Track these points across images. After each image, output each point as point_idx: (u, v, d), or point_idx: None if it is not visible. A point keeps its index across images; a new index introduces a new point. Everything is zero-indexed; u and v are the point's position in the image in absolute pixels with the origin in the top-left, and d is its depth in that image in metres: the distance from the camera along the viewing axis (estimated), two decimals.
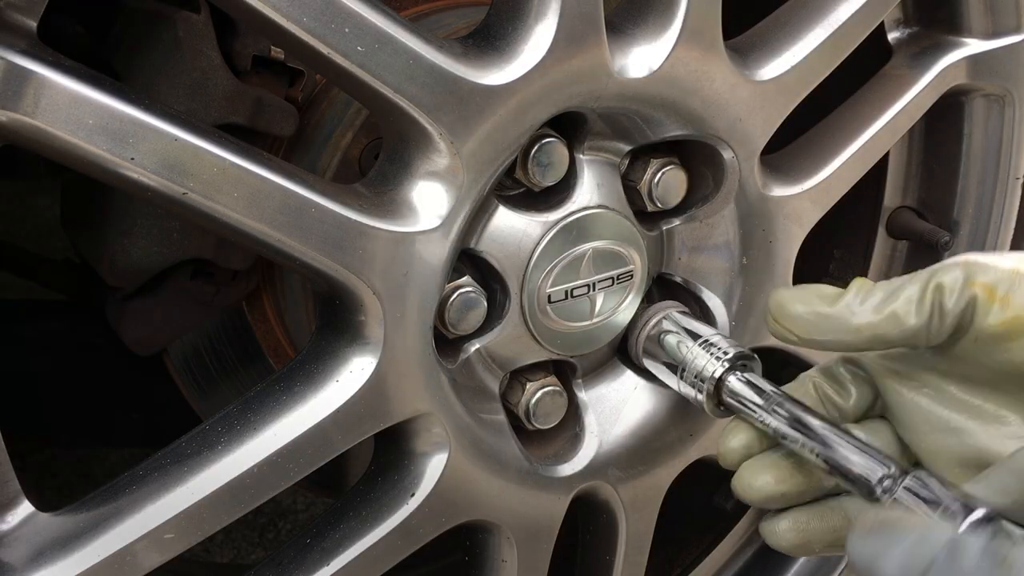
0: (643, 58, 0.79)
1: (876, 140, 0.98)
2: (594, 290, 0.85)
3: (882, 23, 0.99)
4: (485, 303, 0.81)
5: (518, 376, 0.89)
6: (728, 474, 0.72)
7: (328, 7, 0.64)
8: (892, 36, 1.07)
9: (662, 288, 0.97)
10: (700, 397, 0.81)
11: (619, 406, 0.94)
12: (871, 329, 0.63)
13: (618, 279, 0.86)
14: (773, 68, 0.86)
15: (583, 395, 0.93)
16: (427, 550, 0.81)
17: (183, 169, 0.63)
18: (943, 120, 1.09)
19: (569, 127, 0.81)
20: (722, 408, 0.79)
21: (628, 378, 0.94)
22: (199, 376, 1.00)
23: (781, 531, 0.70)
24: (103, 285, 0.86)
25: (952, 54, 1.03)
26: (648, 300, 0.93)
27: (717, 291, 0.94)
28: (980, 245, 1.14)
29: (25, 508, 0.65)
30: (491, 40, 0.73)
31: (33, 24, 0.60)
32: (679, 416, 0.94)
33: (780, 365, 1.23)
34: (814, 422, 0.68)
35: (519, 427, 0.89)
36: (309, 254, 0.68)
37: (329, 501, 1.14)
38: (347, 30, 0.65)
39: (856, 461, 0.65)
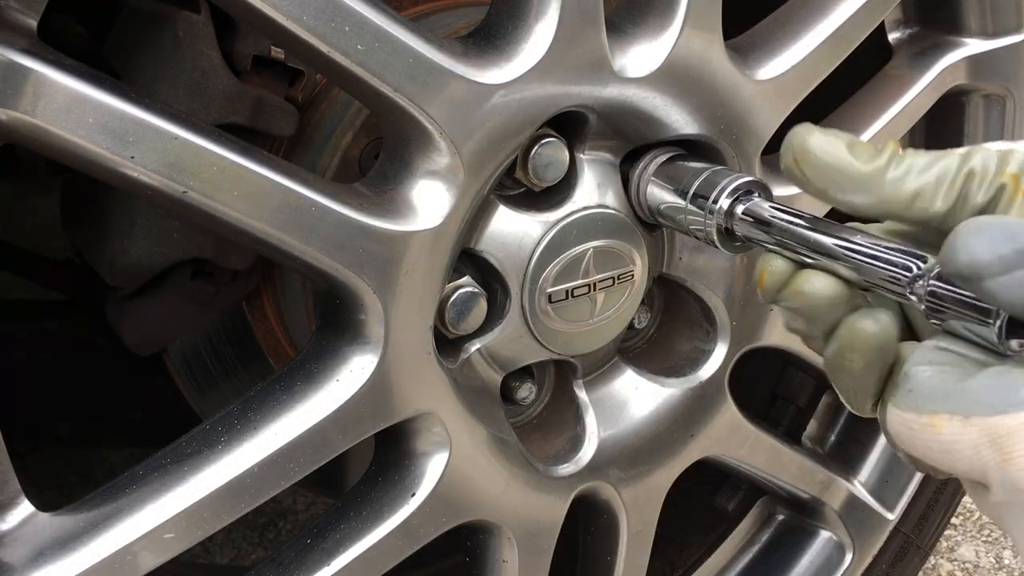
0: (643, 57, 0.79)
1: (877, 141, 0.98)
2: (595, 290, 0.85)
3: (882, 23, 0.99)
4: (485, 303, 0.81)
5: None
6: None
7: (328, 6, 0.64)
8: (892, 36, 1.07)
9: (662, 288, 0.97)
10: (711, 233, 0.75)
11: (620, 406, 0.94)
12: (895, 202, 0.58)
13: (619, 279, 0.86)
14: (773, 68, 0.86)
15: (584, 395, 0.93)
16: (428, 551, 0.81)
17: (183, 168, 0.63)
18: (943, 120, 1.09)
19: (569, 127, 0.81)
20: (738, 244, 0.75)
21: (629, 378, 0.94)
22: (199, 376, 1.00)
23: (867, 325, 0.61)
24: (103, 285, 0.86)
25: (952, 54, 1.03)
26: (648, 299, 0.93)
27: (717, 291, 0.94)
28: None
29: (25, 508, 0.65)
30: (491, 39, 0.73)
31: (33, 23, 0.60)
32: (680, 416, 0.94)
33: (781, 365, 1.23)
34: (834, 233, 0.63)
35: (518, 425, 0.89)
36: (309, 253, 0.68)
37: (329, 501, 1.14)
38: (347, 29, 0.65)
39: (889, 260, 0.59)
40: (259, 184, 0.66)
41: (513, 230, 0.81)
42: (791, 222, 0.66)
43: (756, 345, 0.97)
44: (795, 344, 0.99)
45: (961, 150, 0.58)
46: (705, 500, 1.21)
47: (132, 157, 0.61)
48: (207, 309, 0.89)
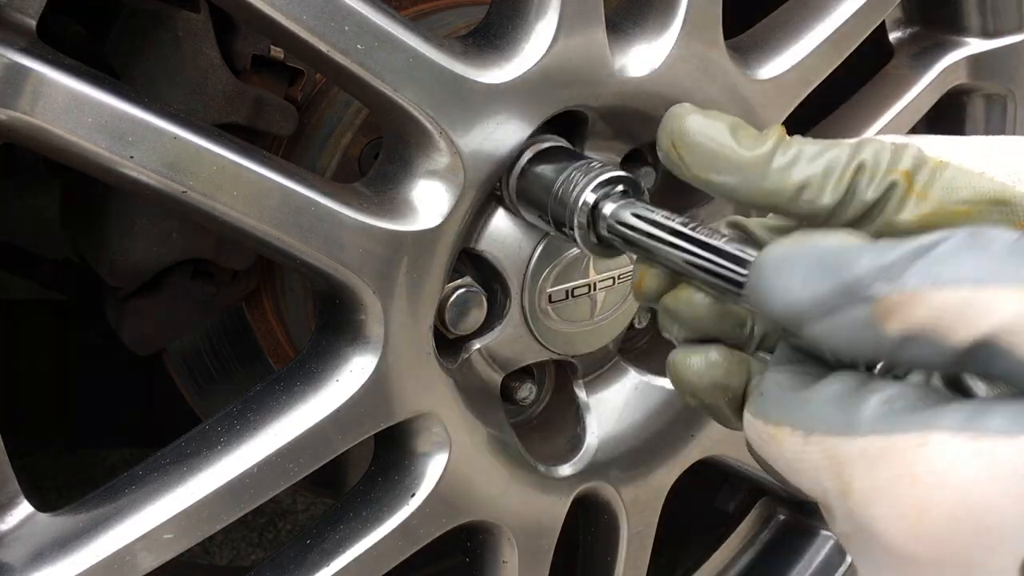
0: (643, 57, 0.79)
1: None
2: (595, 290, 0.85)
3: (883, 23, 0.99)
4: (485, 303, 0.81)
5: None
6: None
7: (328, 5, 0.64)
8: (893, 36, 1.07)
9: None
10: (573, 232, 0.69)
11: (620, 406, 0.94)
12: (779, 193, 0.52)
13: (619, 279, 0.86)
14: (774, 67, 0.86)
15: (584, 396, 0.93)
16: (427, 552, 0.81)
17: (183, 168, 0.63)
18: (944, 120, 1.09)
19: (569, 126, 0.81)
20: (600, 244, 0.67)
21: (629, 378, 0.94)
22: (199, 376, 0.99)
23: (693, 364, 0.56)
24: (103, 285, 0.86)
25: (953, 54, 1.03)
26: None
27: None
28: None
29: (24, 508, 0.65)
30: (491, 39, 0.73)
31: (32, 23, 0.59)
32: (680, 416, 0.94)
33: None
34: (674, 229, 0.57)
35: (518, 425, 0.88)
36: (309, 253, 0.68)
37: (329, 501, 1.14)
38: (347, 28, 0.65)
39: (720, 255, 0.55)
40: (259, 184, 0.66)
41: (513, 230, 0.81)
42: (654, 226, 0.60)
43: None
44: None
45: (853, 140, 0.53)
46: (705, 500, 1.21)
47: (132, 157, 0.61)
48: (207, 309, 0.89)
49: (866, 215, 0.52)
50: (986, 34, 1.04)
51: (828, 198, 0.52)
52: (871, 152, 0.51)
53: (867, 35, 0.92)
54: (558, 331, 0.85)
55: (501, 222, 0.80)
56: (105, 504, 0.67)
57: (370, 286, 0.71)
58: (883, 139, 0.53)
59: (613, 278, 0.86)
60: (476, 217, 0.78)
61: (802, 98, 0.89)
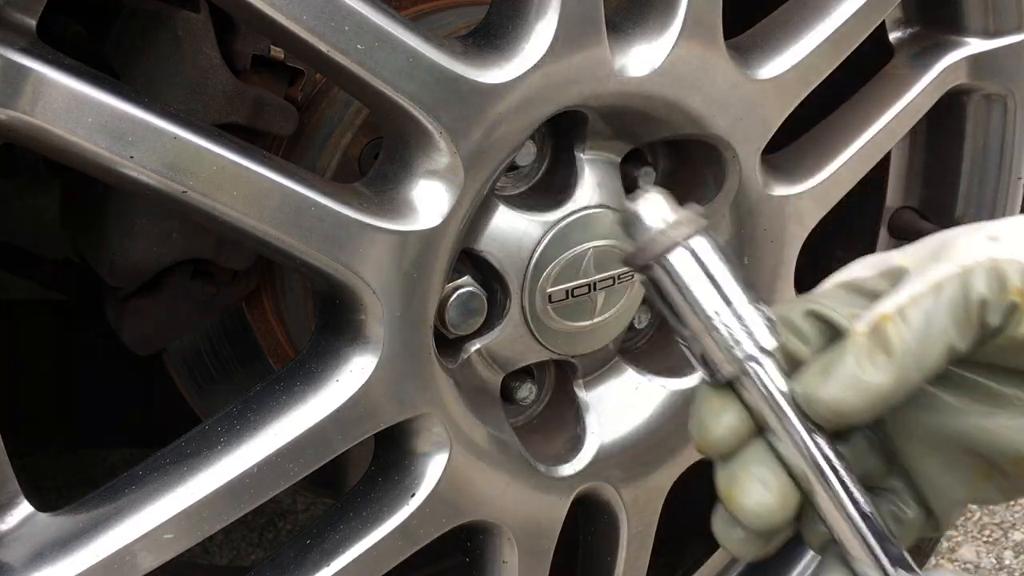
0: (644, 57, 0.79)
1: (878, 140, 0.98)
2: (595, 290, 0.85)
3: (883, 22, 0.99)
4: (486, 303, 0.81)
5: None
6: None
7: (328, 5, 0.64)
8: (893, 36, 1.07)
9: None
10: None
11: (620, 406, 0.94)
12: (929, 372, 0.51)
13: (619, 279, 0.86)
14: (774, 67, 0.86)
15: (584, 395, 0.93)
16: (427, 552, 0.81)
17: (183, 168, 0.63)
18: (945, 120, 1.09)
19: (570, 126, 0.81)
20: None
21: (629, 378, 0.94)
22: (199, 376, 0.99)
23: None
24: (103, 285, 0.86)
25: (953, 54, 1.03)
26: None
27: None
28: None
29: (24, 508, 0.65)
30: (491, 39, 0.73)
31: (32, 22, 0.60)
32: (681, 416, 0.94)
33: None
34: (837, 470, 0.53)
35: (518, 425, 0.88)
36: (309, 253, 0.68)
37: (329, 501, 1.14)
38: (347, 28, 0.65)
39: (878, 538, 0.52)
40: (259, 184, 0.66)
41: (513, 230, 0.81)
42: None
43: None
44: None
45: (944, 273, 0.52)
46: (705, 500, 1.21)
47: (131, 157, 0.61)
48: (207, 309, 0.89)
49: (990, 335, 0.52)
50: (986, 34, 1.04)
51: (964, 344, 0.52)
52: (982, 283, 0.51)
53: (867, 35, 0.92)
54: (558, 331, 0.85)
55: (501, 222, 0.80)
56: (105, 504, 0.67)
57: (370, 286, 0.71)
58: (979, 261, 0.52)
59: (613, 278, 0.86)
60: (476, 217, 0.78)
61: (802, 98, 0.89)
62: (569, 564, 0.97)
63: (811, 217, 0.95)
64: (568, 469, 0.89)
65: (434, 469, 0.79)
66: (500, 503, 0.84)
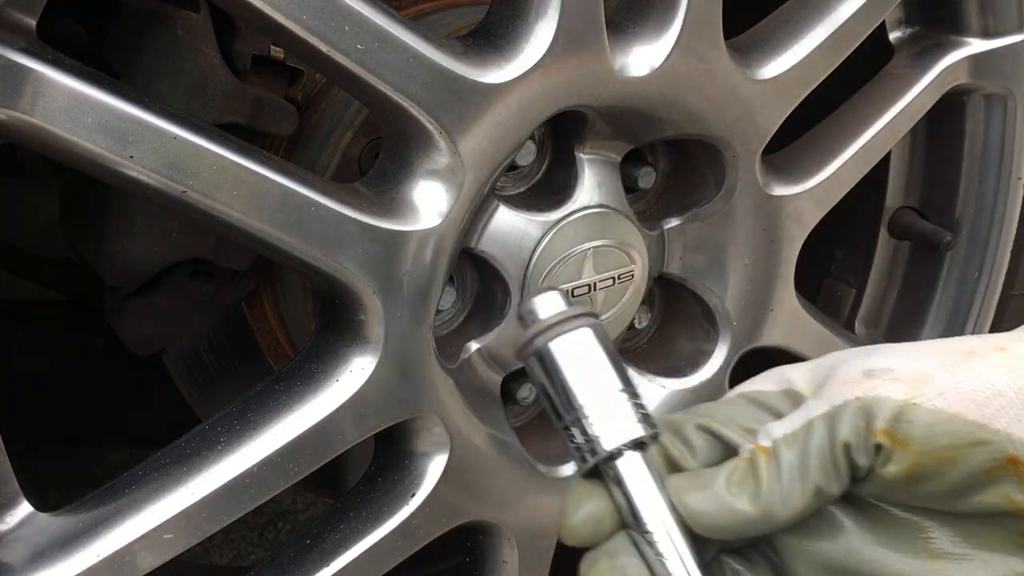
0: (644, 57, 0.79)
1: (878, 140, 0.98)
2: (595, 290, 0.85)
3: (883, 22, 0.99)
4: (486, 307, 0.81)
5: None
6: None
7: (328, 5, 0.64)
8: (893, 36, 1.07)
9: (663, 288, 0.97)
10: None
11: None
12: (798, 512, 0.52)
13: (619, 279, 0.86)
14: (774, 67, 0.86)
15: None
16: (427, 552, 0.81)
17: (182, 168, 0.63)
18: (945, 120, 1.08)
19: (570, 126, 0.81)
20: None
21: None
22: (199, 376, 0.99)
23: None
24: (103, 285, 0.86)
25: (953, 54, 1.03)
26: (648, 299, 0.92)
27: (718, 291, 0.94)
28: (982, 244, 1.14)
29: (24, 508, 0.65)
30: (491, 39, 0.73)
31: (32, 23, 0.59)
32: None
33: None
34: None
35: (518, 425, 0.88)
36: (309, 253, 0.68)
37: (329, 501, 1.14)
38: (347, 28, 0.65)
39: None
40: (258, 184, 0.66)
41: (513, 230, 0.80)
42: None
43: (757, 345, 0.97)
44: (795, 344, 0.99)
45: (823, 410, 0.53)
46: None
47: (131, 157, 0.61)
48: (207, 309, 0.89)
49: (862, 475, 0.53)
50: (986, 34, 1.04)
51: (836, 487, 0.53)
52: (847, 428, 0.52)
53: (867, 35, 0.92)
54: None
55: (501, 222, 0.80)
56: (105, 504, 0.67)
57: (370, 286, 0.71)
58: (846, 401, 0.53)
59: (613, 278, 0.86)
60: (476, 217, 0.78)
61: (802, 98, 0.89)
62: (569, 564, 0.97)
63: (811, 217, 0.95)
64: (568, 469, 0.89)
65: (434, 469, 0.79)
66: (500, 503, 0.84)
